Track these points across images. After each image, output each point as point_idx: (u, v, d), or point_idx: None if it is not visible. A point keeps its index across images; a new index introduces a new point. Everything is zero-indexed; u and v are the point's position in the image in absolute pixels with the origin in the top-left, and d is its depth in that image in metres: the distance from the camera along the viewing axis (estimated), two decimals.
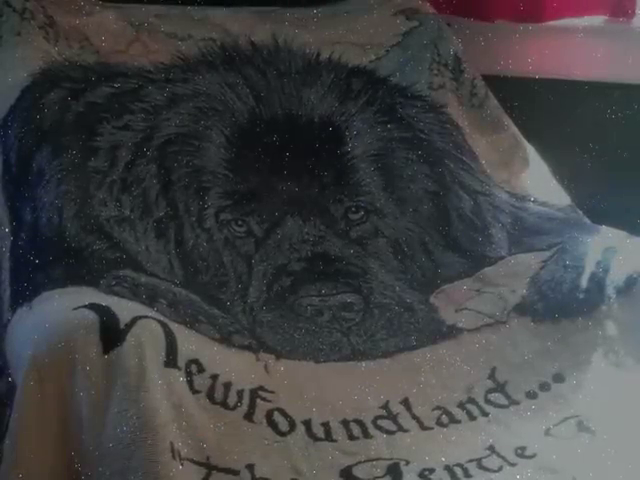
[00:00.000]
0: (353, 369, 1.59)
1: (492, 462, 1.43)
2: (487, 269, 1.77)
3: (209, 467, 1.36)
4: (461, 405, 1.54)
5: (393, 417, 1.50)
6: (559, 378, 1.58)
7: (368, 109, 1.88)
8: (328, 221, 1.76)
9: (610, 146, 2.27)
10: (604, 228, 1.80)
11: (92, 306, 1.42)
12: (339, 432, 1.47)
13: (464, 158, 1.91)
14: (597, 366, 1.59)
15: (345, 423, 1.48)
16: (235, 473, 1.38)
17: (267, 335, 1.61)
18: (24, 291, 1.54)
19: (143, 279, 1.61)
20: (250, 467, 1.39)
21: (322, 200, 1.77)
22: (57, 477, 1.36)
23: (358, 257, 1.74)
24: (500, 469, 1.42)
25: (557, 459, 1.43)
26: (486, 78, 2.09)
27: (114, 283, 1.56)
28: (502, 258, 1.79)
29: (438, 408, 1.53)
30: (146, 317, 1.44)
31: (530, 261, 1.76)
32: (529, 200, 1.90)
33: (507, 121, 2.02)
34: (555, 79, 2.30)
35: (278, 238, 1.72)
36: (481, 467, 1.42)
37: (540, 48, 2.35)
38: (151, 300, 1.54)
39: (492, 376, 1.58)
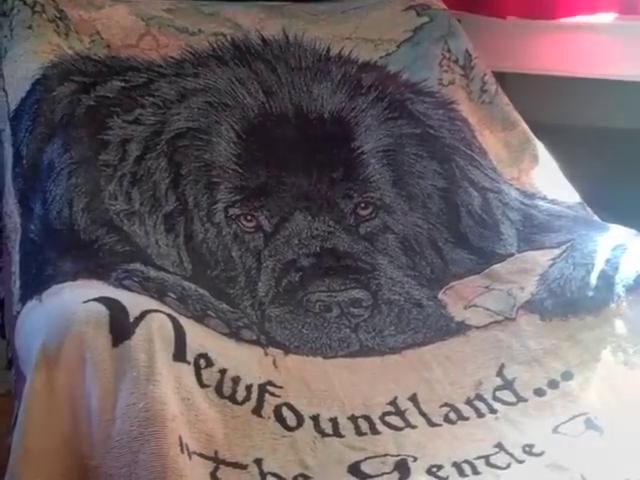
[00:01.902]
0: (361, 365, 1.59)
1: (500, 459, 1.43)
2: (496, 266, 1.76)
3: (217, 461, 1.36)
4: (469, 402, 1.53)
5: (401, 413, 1.50)
6: (567, 376, 1.57)
7: (378, 105, 1.88)
8: (337, 217, 1.76)
9: (621, 144, 2.26)
10: (614, 226, 1.79)
11: (101, 299, 1.42)
12: (347, 428, 1.47)
13: (474, 155, 1.91)
14: (606, 364, 1.58)
15: (353, 419, 1.48)
16: (243, 467, 1.38)
17: (275, 330, 1.61)
18: (34, 284, 1.55)
19: (152, 273, 1.61)
20: (258, 461, 1.39)
21: (331, 196, 1.77)
22: (64, 469, 1.36)
23: (367, 253, 1.74)
24: (508, 466, 1.42)
25: (565, 457, 1.42)
26: (497, 75, 2.08)
27: (124, 277, 1.56)
28: (511, 255, 1.79)
29: (446, 405, 1.53)
30: (155, 311, 1.44)
31: (539, 259, 1.76)
32: (538, 197, 1.90)
33: (517, 118, 2.01)
34: (567, 76, 2.30)
35: (287, 233, 1.73)
36: (489, 464, 1.42)
37: (552, 45, 2.34)
38: (160, 294, 1.54)
39: (500, 373, 1.58)
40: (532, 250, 1.79)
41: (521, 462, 1.43)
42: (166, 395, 1.35)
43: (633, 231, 1.76)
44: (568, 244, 1.76)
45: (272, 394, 1.49)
